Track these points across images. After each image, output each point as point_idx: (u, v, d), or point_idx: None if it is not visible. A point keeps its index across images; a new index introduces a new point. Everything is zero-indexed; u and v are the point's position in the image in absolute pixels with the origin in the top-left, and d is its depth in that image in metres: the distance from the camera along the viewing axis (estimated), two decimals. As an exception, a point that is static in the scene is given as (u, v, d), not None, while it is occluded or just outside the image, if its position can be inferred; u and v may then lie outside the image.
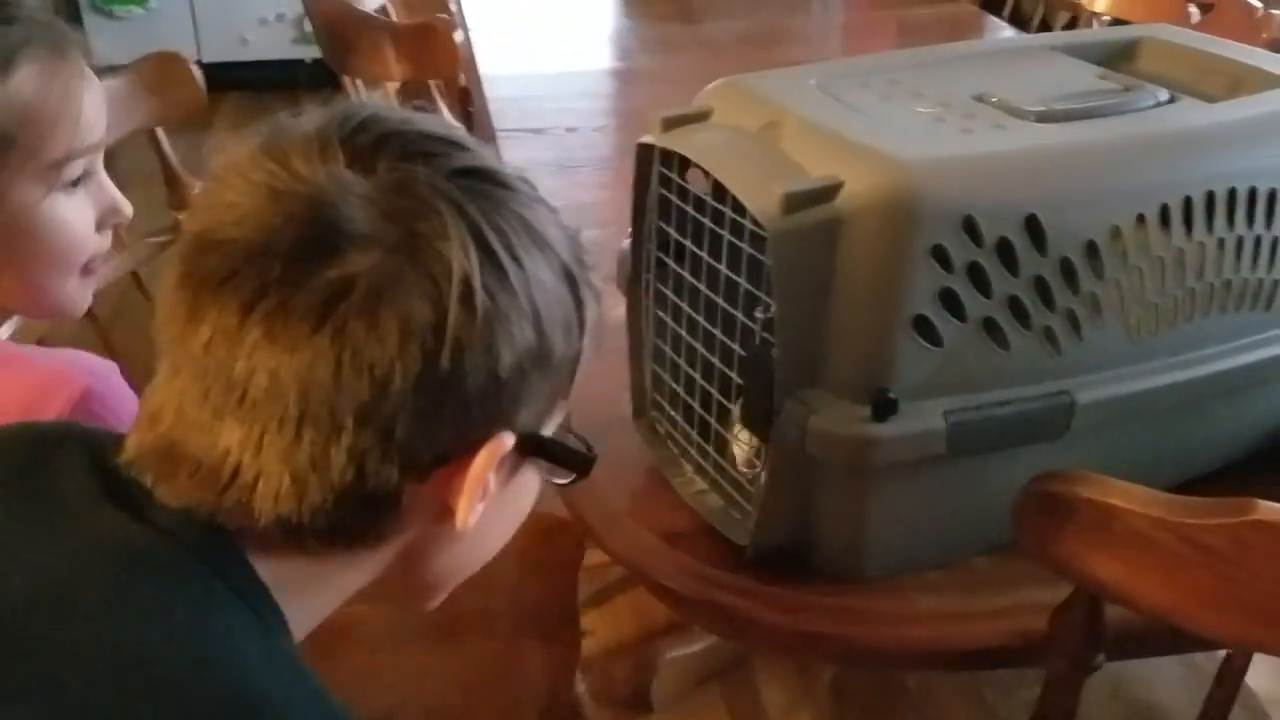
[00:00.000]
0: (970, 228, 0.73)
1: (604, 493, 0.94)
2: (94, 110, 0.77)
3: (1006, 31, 2.25)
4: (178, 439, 0.50)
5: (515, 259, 0.50)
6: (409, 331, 0.47)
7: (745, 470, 0.87)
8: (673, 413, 0.95)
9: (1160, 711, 1.16)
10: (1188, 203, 0.80)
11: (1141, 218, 0.79)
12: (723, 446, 0.90)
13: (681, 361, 0.91)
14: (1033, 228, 0.75)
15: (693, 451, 0.92)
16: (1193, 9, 1.94)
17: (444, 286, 0.48)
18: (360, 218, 0.48)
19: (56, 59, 0.74)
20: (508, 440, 0.53)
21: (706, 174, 0.86)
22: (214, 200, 0.50)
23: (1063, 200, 0.76)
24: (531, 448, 0.55)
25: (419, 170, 0.50)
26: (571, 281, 0.54)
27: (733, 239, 0.82)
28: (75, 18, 3.46)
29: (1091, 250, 0.77)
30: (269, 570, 0.51)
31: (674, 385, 0.94)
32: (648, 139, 0.88)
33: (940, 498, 0.82)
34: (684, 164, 0.87)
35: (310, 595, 0.55)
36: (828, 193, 0.74)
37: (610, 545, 0.91)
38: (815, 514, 0.83)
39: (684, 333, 0.91)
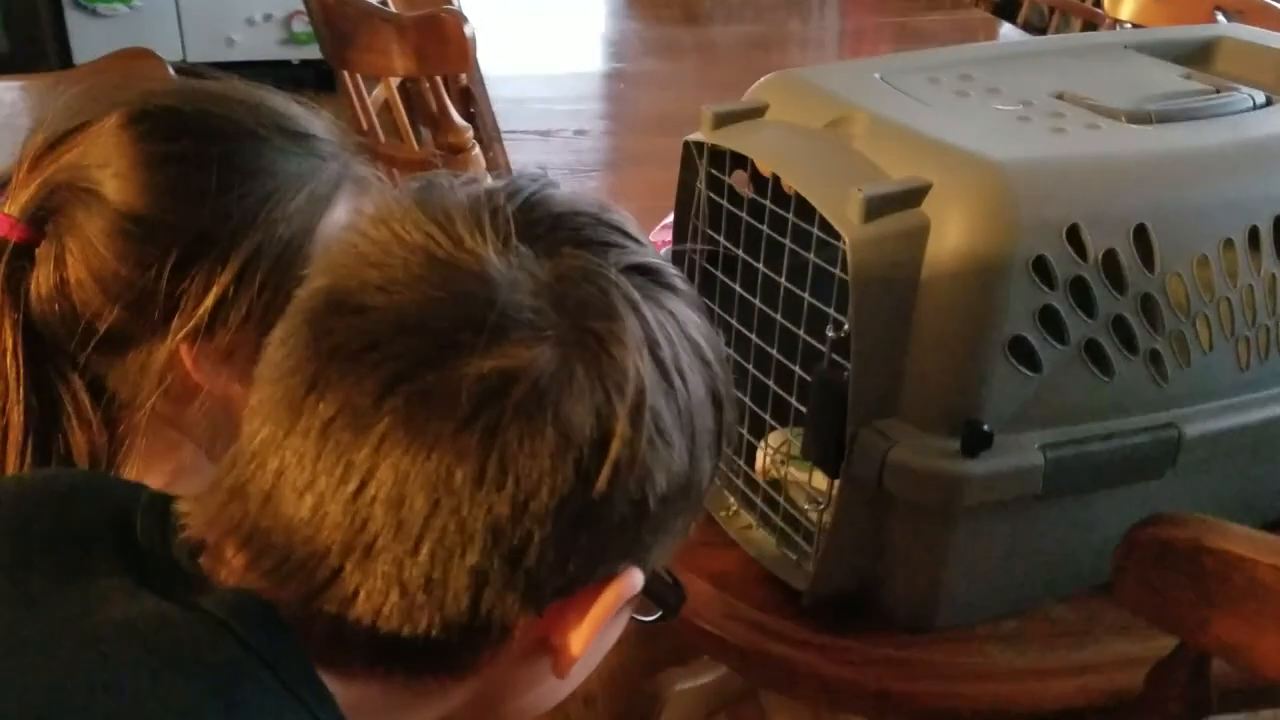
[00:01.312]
0: (1075, 238, 0.65)
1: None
2: None
3: (1020, 38, 2.18)
4: (265, 525, 0.42)
5: (681, 375, 0.44)
6: (568, 444, 0.40)
7: (807, 507, 0.78)
8: (715, 439, 0.86)
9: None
10: (1302, 214, 0.72)
11: (1254, 231, 0.71)
12: (776, 480, 0.81)
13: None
14: (1141, 240, 0.67)
15: (740, 483, 0.84)
16: (1220, 16, 1.88)
17: (615, 398, 0.41)
18: (531, 305, 0.41)
19: (362, 194, 0.69)
20: (637, 579, 0.45)
21: (758, 175, 0.78)
22: (354, 255, 0.43)
23: (1174, 210, 0.68)
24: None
25: (599, 262, 0.43)
26: (717, 399, 0.46)
27: (795, 248, 0.73)
28: (58, 14, 3.35)
29: (1202, 266, 0.69)
30: (335, 692, 0.42)
31: (718, 409, 0.85)
32: (696, 136, 0.79)
33: (1027, 541, 0.73)
34: (733, 165, 0.79)
35: None
36: (913, 196, 0.66)
37: (646, 586, 0.82)
38: (884, 557, 0.74)
39: (732, 352, 0.82)
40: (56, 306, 0.64)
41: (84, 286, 0.63)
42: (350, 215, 0.67)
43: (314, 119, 0.69)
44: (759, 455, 0.81)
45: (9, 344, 0.64)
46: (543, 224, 0.44)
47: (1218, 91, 0.82)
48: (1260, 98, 0.80)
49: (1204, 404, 0.73)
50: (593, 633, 0.44)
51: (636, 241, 0.46)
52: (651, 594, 0.48)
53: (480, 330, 0.40)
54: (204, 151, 0.64)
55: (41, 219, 0.64)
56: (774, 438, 0.81)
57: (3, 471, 0.64)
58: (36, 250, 0.64)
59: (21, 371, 0.64)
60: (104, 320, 0.63)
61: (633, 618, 0.52)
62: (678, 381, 0.43)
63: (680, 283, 0.46)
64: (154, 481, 0.65)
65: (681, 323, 0.44)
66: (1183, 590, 0.64)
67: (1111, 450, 0.70)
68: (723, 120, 0.78)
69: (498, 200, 0.44)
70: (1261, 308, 0.72)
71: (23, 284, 0.64)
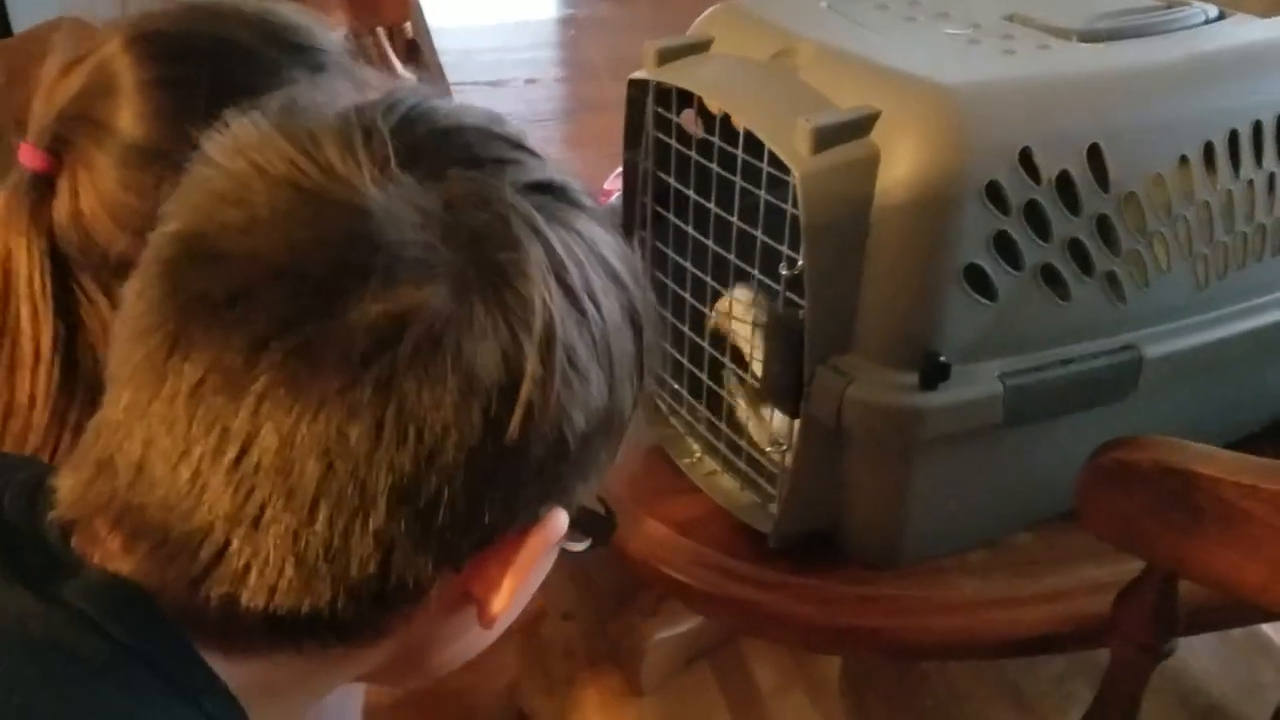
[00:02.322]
0: (1027, 161, 0.64)
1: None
2: None
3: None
4: (138, 502, 0.38)
5: (594, 301, 0.40)
6: (473, 391, 0.37)
7: (769, 449, 0.77)
8: (676, 386, 0.84)
9: (1190, 676, 1.10)
10: (1257, 128, 0.71)
11: (1209, 146, 0.69)
12: (736, 423, 0.80)
13: (685, 328, 0.81)
14: (1095, 160, 0.65)
15: (701, 429, 0.82)
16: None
17: (522, 336, 0.37)
18: (418, 239, 0.37)
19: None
20: (562, 521, 0.42)
21: (706, 113, 0.76)
22: (209, 192, 0.38)
23: (1127, 128, 0.67)
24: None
25: (492, 183, 0.39)
26: (634, 321, 0.43)
27: (746, 185, 0.71)
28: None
29: (1157, 184, 0.68)
30: (233, 674, 0.40)
31: (677, 355, 0.83)
32: (641, 74, 0.77)
33: (989, 471, 0.73)
34: (681, 104, 0.77)
35: (282, 699, 0.43)
36: (862, 125, 0.64)
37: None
38: (847, 495, 0.73)
39: (688, 296, 0.80)
40: (74, 235, 0.64)
41: (96, 216, 0.64)
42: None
43: (318, 30, 0.67)
44: (754, 427, 0.79)
45: (36, 270, 0.65)
46: (425, 143, 0.39)
47: (1169, 7, 0.80)
48: (1212, 11, 0.79)
49: (1164, 325, 0.72)
50: (518, 582, 0.42)
51: (533, 155, 0.42)
52: (580, 525, 0.46)
53: (362, 272, 0.36)
54: (201, 74, 0.63)
55: (58, 149, 0.64)
56: (740, 293, 0.78)
57: (35, 391, 0.65)
58: (56, 180, 0.64)
59: (49, 296, 0.65)
60: (116, 248, 0.63)
61: (562, 550, 0.49)
62: (590, 309, 0.40)
63: (585, 198, 0.43)
64: None
65: (590, 242, 0.41)
66: (1147, 513, 0.64)
67: (1071, 375, 0.69)
68: (667, 56, 0.76)
69: (371, 118, 0.39)
70: (1219, 225, 0.71)
71: (47, 211, 0.65)
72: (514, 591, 0.42)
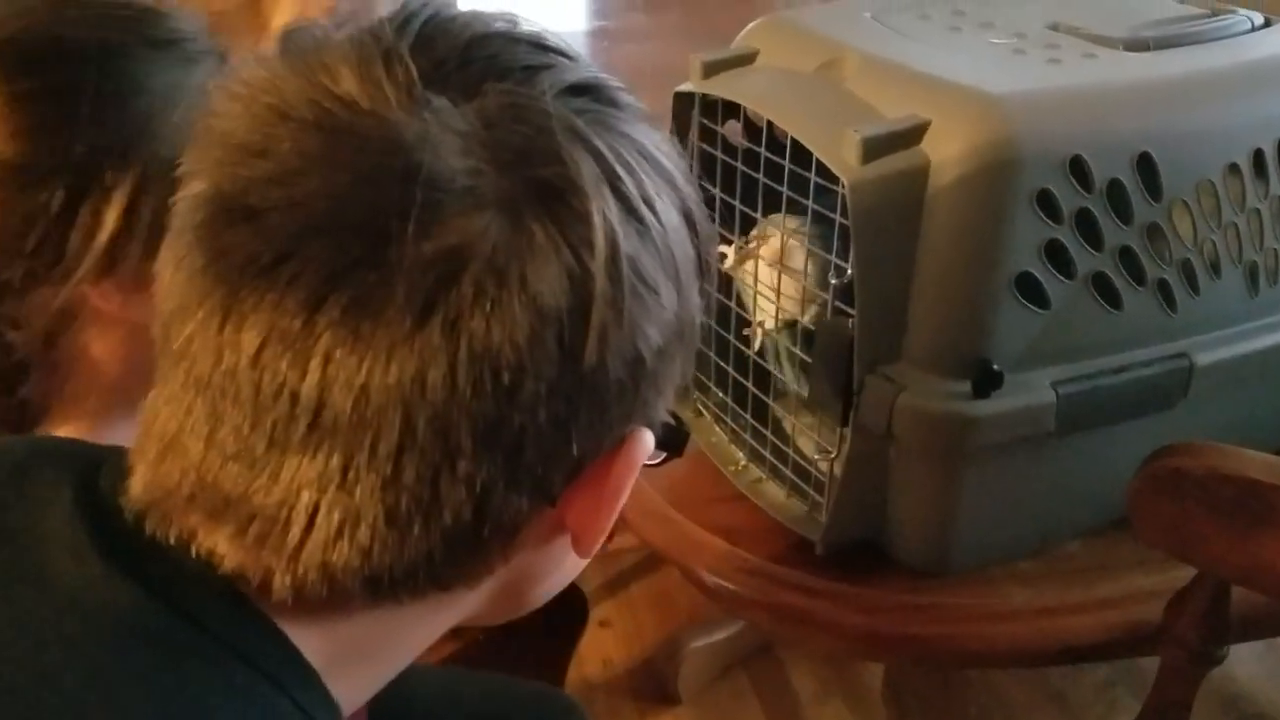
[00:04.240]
0: (1078, 169, 0.64)
1: (641, 484, 0.84)
2: None
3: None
4: (213, 479, 0.36)
5: (651, 207, 0.37)
6: (544, 319, 0.35)
7: (816, 457, 0.77)
8: (721, 393, 0.85)
9: (1236, 684, 1.09)
10: (1307, 134, 0.71)
11: (1259, 153, 0.69)
12: (782, 430, 0.80)
13: (730, 336, 0.82)
14: (1145, 168, 0.66)
15: (746, 436, 0.83)
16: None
17: (585, 256, 0.35)
18: (461, 166, 0.34)
19: None
20: (648, 439, 0.40)
21: (751, 124, 0.77)
22: (230, 146, 0.36)
23: (1177, 136, 0.67)
24: None
25: (528, 93, 0.36)
26: (690, 220, 0.40)
27: (793, 195, 0.72)
28: None
29: (1208, 191, 0.68)
30: (330, 640, 0.39)
31: (721, 363, 0.84)
32: (687, 87, 0.78)
33: (1039, 479, 0.73)
34: (725, 115, 0.78)
35: (381, 658, 0.43)
36: (912, 135, 0.64)
37: (657, 542, 0.82)
38: (896, 503, 0.73)
39: (732, 304, 0.81)
40: None
41: None
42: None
43: (179, 17, 0.64)
44: (800, 434, 0.79)
45: None
46: (450, 59, 0.37)
47: (1215, 14, 0.80)
48: (1259, 19, 0.79)
49: (1215, 332, 0.72)
50: (614, 506, 0.40)
51: (562, 55, 0.39)
52: (656, 439, 0.44)
53: (410, 210, 0.33)
54: (68, 81, 0.59)
55: None
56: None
57: None
58: None
59: None
60: (4, 273, 0.59)
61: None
62: (649, 216, 0.37)
63: (625, 95, 0.40)
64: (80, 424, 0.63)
65: (638, 144, 0.38)
66: (1200, 520, 0.64)
67: (1123, 383, 0.69)
68: (712, 69, 0.76)
69: (387, 40, 0.36)
70: (1269, 231, 0.71)
71: None
72: (610, 515, 0.41)
